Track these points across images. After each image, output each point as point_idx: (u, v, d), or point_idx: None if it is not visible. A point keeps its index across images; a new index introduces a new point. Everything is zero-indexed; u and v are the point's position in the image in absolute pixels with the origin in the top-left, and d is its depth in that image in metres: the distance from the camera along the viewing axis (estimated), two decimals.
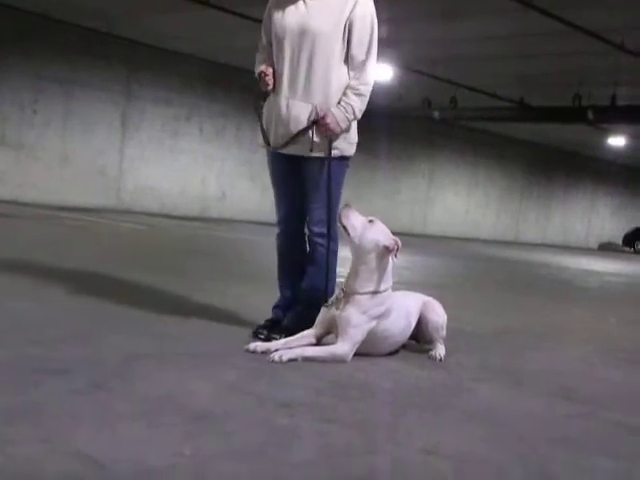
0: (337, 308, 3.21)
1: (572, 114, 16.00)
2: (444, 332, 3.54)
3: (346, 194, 3.69)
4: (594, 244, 30.25)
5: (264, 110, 3.53)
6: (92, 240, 8.67)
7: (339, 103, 3.36)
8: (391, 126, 18.70)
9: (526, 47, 12.68)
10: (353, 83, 3.38)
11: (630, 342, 4.77)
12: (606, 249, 29.17)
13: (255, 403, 2.43)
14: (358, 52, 3.37)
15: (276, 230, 3.68)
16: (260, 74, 3.44)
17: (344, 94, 3.38)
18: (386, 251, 3.19)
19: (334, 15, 3.32)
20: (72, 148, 15.02)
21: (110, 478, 1.71)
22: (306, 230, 3.57)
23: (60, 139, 14.85)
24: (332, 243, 3.50)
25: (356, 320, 3.17)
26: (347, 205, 3.26)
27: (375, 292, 3.20)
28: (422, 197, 22.99)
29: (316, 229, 3.46)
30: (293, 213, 3.59)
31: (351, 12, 3.31)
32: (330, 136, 3.36)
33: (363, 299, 3.19)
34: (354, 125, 3.50)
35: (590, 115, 15.35)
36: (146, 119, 16.11)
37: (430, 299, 3.62)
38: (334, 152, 3.41)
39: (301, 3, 3.37)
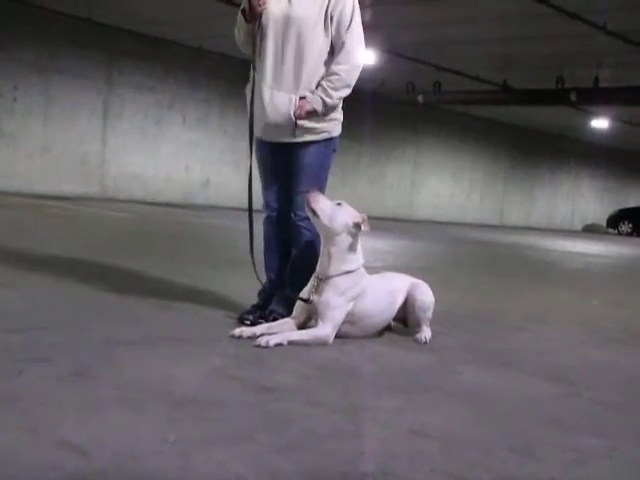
0: (314, 294, 3.25)
1: (555, 96, 16.02)
2: (430, 314, 3.55)
3: (331, 180, 3.68)
4: (579, 226, 30.40)
5: (248, 96, 3.53)
6: (75, 227, 8.59)
7: (317, 87, 3.40)
8: (375, 111, 18.64)
9: (509, 30, 12.65)
10: (333, 67, 3.40)
11: (614, 322, 4.80)
12: (590, 231, 29.32)
13: (241, 388, 2.42)
14: (338, 35, 3.41)
15: (263, 215, 3.67)
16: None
17: (323, 79, 3.41)
18: (356, 228, 3.26)
19: (316, 5, 3.39)
20: (54, 136, 14.84)
21: (93, 466, 1.70)
22: (292, 215, 3.55)
23: (42, 127, 14.67)
24: None
25: (334, 302, 3.23)
26: (313, 191, 3.31)
27: (348, 272, 3.27)
28: (407, 182, 22.96)
29: (302, 213, 3.45)
30: (279, 198, 3.60)
31: (330, 1, 3.39)
32: (308, 118, 3.38)
33: (338, 281, 3.25)
34: (339, 105, 3.50)
35: (573, 97, 15.38)
36: (128, 107, 15.94)
37: (419, 281, 3.64)
38: (321, 135, 3.43)
39: None
